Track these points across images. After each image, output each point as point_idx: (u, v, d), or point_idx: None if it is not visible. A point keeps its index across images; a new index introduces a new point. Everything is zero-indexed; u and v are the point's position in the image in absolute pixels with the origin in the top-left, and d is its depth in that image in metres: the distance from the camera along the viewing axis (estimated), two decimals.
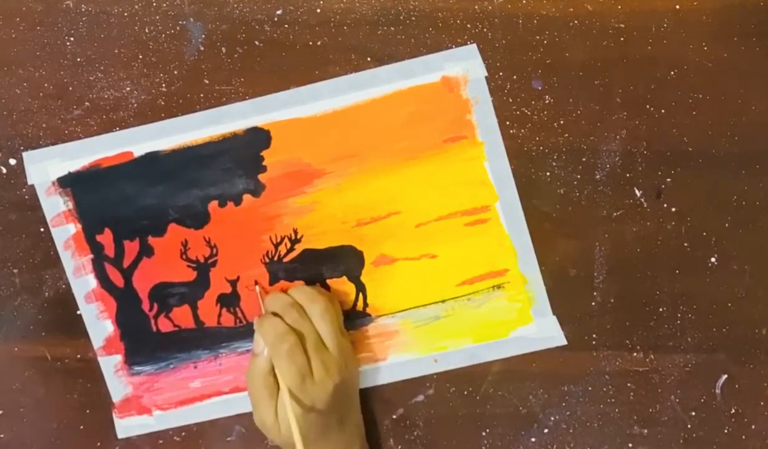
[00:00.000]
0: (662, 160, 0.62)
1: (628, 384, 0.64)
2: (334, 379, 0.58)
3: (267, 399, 0.59)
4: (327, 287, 0.64)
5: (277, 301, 0.61)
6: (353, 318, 0.64)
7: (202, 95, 0.62)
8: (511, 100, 0.62)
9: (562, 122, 0.62)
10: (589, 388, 0.64)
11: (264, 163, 0.63)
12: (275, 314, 0.60)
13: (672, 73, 0.62)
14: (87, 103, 0.63)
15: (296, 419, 0.56)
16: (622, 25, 0.61)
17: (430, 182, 0.62)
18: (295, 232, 0.63)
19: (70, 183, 0.63)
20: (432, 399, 0.65)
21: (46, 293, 0.65)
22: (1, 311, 0.65)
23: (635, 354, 0.64)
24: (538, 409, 0.64)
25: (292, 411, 0.56)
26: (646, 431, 0.64)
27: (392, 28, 0.62)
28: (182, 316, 0.64)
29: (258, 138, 0.62)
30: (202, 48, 0.62)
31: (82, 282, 0.64)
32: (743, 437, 0.64)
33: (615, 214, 0.63)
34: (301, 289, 0.62)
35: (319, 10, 0.62)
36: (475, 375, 0.64)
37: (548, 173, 0.63)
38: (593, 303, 0.63)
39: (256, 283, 0.64)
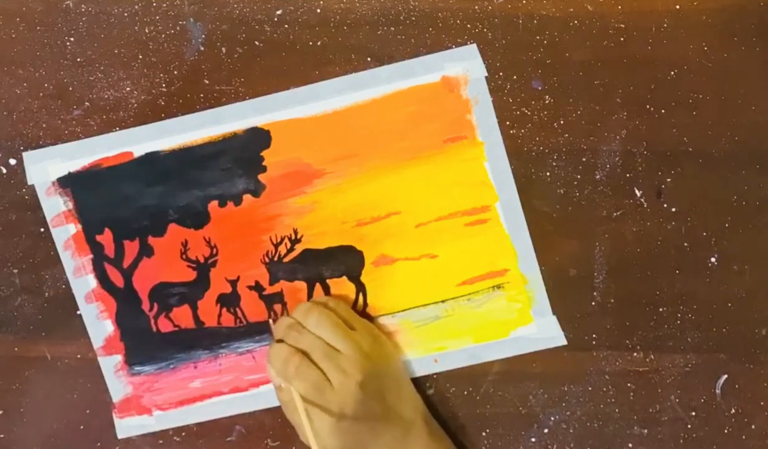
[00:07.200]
0: (662, 160, 0.62)
1: (628, 384, 0.64)
2: (355, 378, 0.57)
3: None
4: (327, 287, 0.64)
5: (279, 327, 0.61)
6: None
7: (202, 95, 0.62)
8: (511, 100, 0.62)
9: (562, 122, 0.62)
10: (589, 388, 0.64)
11: (264, 163, 0.63)
12: (279, 341, 0.60)
13: (672, 73, 0.62)
14: (87, 103, 0.63)
15: (329, 431, 0.56)
16: (622, 25, 0.61)
17: (430, 182, 0.62)
18: (295, 232, 0.63)
19: (70, 183, 0.63)
20: (432, 399, 0.64)
21: (46, 293, 0.65)
22: (1, 311, 0.65)
23: (635, 354, 0.64)
24: (538, 409, 0.64)
25: (311, 433, 0.56)
26: (646, 431, 0.64)
27: (392, 28, 0.62)
28: (182, 316, 0.64)
29: (258, 138, 0.62)
30: (202, 48, 0.62)
31: (82, 282, 0.64)
32: (743, 437, 0.64)
33: (615, 214, 0.63)
34: (297, 307, 0.61)
35: (319, 10, 0.62)
36: (475, 375, 0.64)
37: (548, 173, 0.63)
38: (593, 303, 0.63)
39: (270, 318, 0.64)
